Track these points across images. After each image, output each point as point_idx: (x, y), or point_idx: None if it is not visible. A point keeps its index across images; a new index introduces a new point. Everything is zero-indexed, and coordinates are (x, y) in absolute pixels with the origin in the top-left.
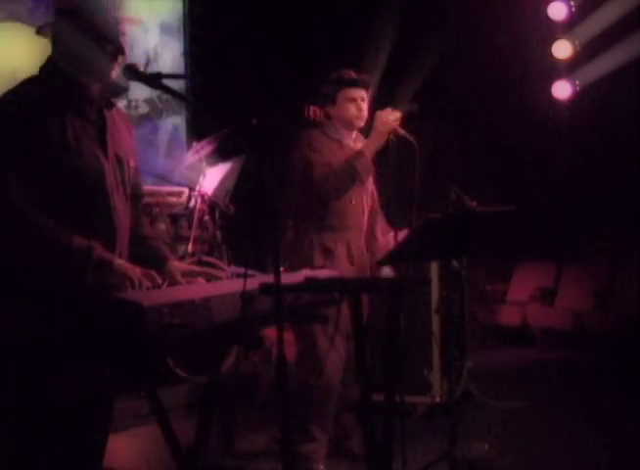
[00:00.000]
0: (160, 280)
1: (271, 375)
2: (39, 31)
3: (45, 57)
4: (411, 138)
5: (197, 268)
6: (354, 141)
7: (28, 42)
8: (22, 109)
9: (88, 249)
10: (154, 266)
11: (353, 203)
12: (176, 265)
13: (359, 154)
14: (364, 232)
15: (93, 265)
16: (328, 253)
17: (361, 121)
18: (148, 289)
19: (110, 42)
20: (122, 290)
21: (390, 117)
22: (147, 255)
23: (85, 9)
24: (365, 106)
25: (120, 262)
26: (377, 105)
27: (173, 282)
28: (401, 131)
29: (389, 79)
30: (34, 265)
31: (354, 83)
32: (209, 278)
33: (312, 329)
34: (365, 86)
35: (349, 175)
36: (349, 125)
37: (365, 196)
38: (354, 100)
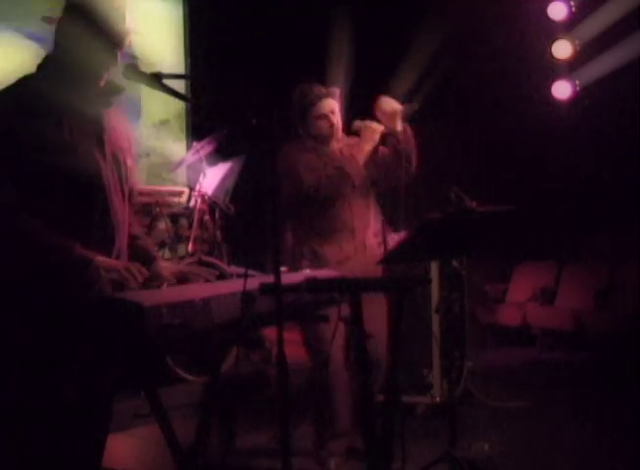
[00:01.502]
0: (143, 272)
1: (272, 375)
2: (45, 19)
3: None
4: (397, 134)
5: (184, 269)
6: (336, 142)
7: (18, 51)
8: (19, 107)
9: (68, 248)
10: (142, 266)
11: (336, 205)
12: (163, 266)
13: (349, 159)
14: (360, 230)
15: (74, 265)
16: (316, 257)
17: (336, 132)
18: (136, 281)
19: (109, 51)
20: (105, 284)
21: (376, 128)
22: (135, 254)
23: (95, 12)
24: (336, 117)
25: (101, 259)
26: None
27: (160, 282)
28: (386, 130)
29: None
30: (27, 266)
31: (318, 99)
32: (197, 279)
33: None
34: (332, 96)
35: (342, 179)
36: (324, 140)
37: (355, 196)
38: (324, 116)
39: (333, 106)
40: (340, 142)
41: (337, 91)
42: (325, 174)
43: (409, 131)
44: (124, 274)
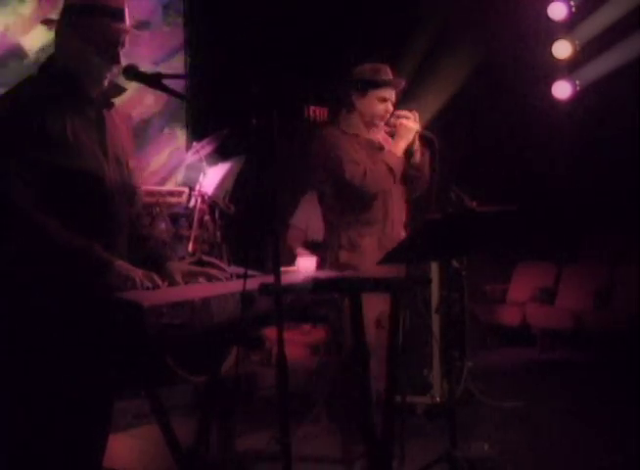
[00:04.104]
0: (160, 282)
1: (271, 375)
2: (44, 22)
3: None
4: (432, 136)
5: (196, 269)
6: (372, 133)
7: None
8: (22, 107)
9: (88, 248)
10: (154, 268)
11: (378, 197)
12: (176, 266)
13: (390, 154)
14: (397, 223)
15: (93, 265)
16: (354, 247)
17: (383, 121)
18: (149, 290)
19: (110, 52)
20: (122, 290)
21: (412, 119)
22: (147, 256)
23: (93, 11)
24: (391, 107)
25: (121, 263)
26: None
27: (173, 283)
28: (423, 131)
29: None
30: (34, 265)
31: (390, 85)
32: (209, 278)
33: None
34: (397, 88)
35: (386, 175)
36: (371, 122)
37: (395, 188)
38: (385, 100)
39: (393, 96)
40: (379, 133)
41: (402, 83)
42: (370, 168)
43: (426, 156)
44: (139, 284)
